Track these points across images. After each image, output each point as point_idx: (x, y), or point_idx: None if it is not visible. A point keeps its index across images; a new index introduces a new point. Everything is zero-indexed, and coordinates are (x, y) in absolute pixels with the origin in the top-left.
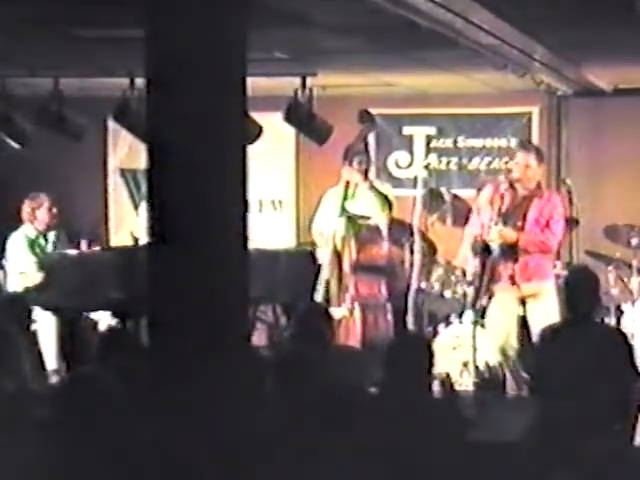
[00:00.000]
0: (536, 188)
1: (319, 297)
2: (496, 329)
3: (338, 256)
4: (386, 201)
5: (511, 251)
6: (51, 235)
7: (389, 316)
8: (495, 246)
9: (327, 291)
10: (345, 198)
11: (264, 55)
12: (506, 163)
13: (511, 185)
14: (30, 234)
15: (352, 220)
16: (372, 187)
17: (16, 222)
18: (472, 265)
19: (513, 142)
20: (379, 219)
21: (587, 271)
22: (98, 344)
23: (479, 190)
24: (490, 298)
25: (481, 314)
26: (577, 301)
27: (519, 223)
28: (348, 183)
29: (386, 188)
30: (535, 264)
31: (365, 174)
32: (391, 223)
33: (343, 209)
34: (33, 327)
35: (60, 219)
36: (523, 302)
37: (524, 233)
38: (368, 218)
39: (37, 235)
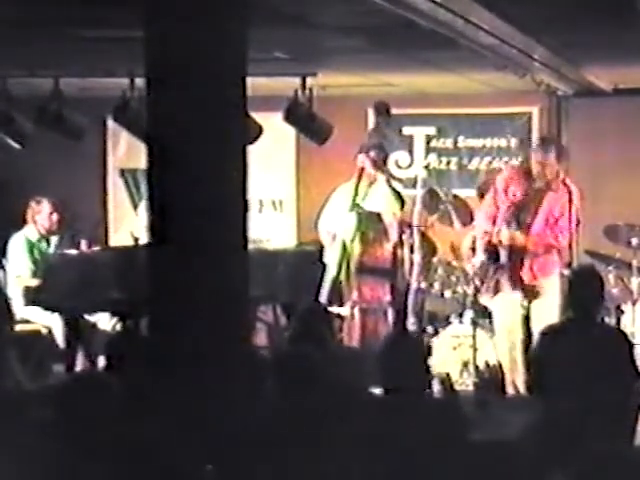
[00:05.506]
0: (554, 179)
1: (324, 296)
2: (501, 328)
3: (346, 254)
4: (399, 198)
5: (518, 254)
6: (54, 239)
7: (389, 317)
8: (503, 249)
9: (333, 290)
10: (357, 190)
11: (264, 55)
12: (506, 163)
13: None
14: (32, 237)
15: (362, 216)
16: (389, 181)
17: (16, 223)
18: (477, 258)
19: (513, 142)
20: (389, 216)
21: (592, 271)
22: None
23: (480, 189)
24: (496, 292)
25: (481, 314)
26: (581, 300)
27: (528, 220)
28: (362, 173)
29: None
30: (539, 265)
31: (382, 166)
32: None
33: (354, 204)
34: (34, 327)
35: (62, 224)
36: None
37: (532, 235)
38: (379, 215)
39: (39, 238)
